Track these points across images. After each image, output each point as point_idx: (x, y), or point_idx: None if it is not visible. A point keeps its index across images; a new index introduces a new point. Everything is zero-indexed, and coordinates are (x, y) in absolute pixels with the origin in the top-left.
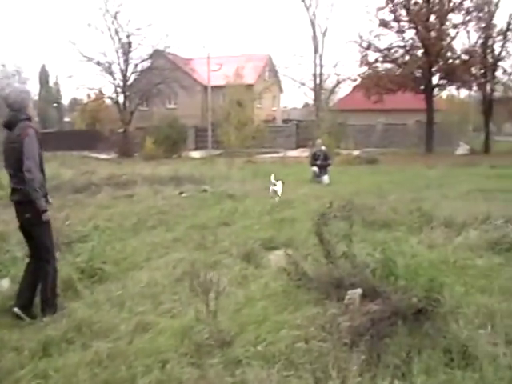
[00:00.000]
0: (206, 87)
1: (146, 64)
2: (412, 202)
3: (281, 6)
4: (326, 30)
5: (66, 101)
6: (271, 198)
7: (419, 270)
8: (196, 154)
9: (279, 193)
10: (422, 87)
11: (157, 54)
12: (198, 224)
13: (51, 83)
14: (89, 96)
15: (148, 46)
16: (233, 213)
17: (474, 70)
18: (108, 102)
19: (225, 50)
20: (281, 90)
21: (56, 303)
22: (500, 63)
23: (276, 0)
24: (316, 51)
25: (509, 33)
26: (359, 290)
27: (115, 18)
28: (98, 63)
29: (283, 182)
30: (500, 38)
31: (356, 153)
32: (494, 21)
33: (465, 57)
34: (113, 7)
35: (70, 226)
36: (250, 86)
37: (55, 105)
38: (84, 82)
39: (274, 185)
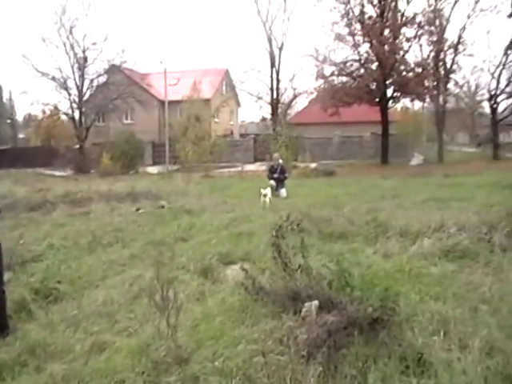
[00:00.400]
0: (163, 102)
1: (102, 79)
2: (368, 212)
3: (238, 21)
4: (282, 44)
5: (20, 117)
6: (263, 209)
7: (375, 280)
8: (153, 170)
9: (268, 198)
10: (377, 99)
11: (113, 69)
12: (155, 240)
13: (4, 99)
14: (44, 112)
15: (104, 60)
16: (190, 228)
17: (426, 83)
18: (63, 117)
19: (182, 64)
20: (238, 105)
21: (8, 325)
22: (452, 75)
23: (233, 15)
24: (273, 65)
25: (459, 46)
26: (316, 302)
27: (70, 32)
28: (53, 78)
29: (271, 187)
30: (451, 51)
31: (313, 165)
32: (446, 35)
33: (418, 69)
34: (68, 22)
35: (24, 245)
36: (207, 101)
37: (9, 121)
38: (39, 97)
39: (264, 195)
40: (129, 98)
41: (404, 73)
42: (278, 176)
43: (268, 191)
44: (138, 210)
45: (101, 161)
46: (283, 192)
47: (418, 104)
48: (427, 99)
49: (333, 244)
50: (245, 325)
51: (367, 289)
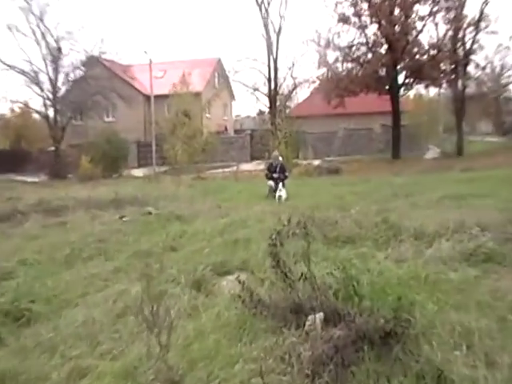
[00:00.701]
0: (148, 97)
1: (79, 72)
2: (378, 213)
3: (230, 5)
4: (280, 28)
5: None
6: (278, 205)
7: (386, 288)
8: (139, 172)
9: (283, 193)
10: (387, 87)
11: (91, 61)
12: (141, 251)
13: None
14: (12, 110)
15: (81, 51)
16: (180, 236)
17: (443, 66)
18: (36, 116)
19: (169, 54)
20: (232, 98)
21: None
22: (472, 57)
23: None
24: (270, 53)
25: (481, 23)
26: (320, 315)
27: (41, 19)
28: (23, 72)
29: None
30: (471, 29)
31: (316, 163)
32: (465, 11)
33: (433, 52)
34: (38, 7)
35: None
36: (197, 94)
37: None
38: (6, 94)
39: (280, 190)
40: (110, 92)
41: (417, 56)
42: (278, 176)
43: (281, 186)
44: (122, 217)
45: (79, 164)
46: (283, 193)
47: (433, 90)
48: (444, 85)
49: (339, 249)
50: (242, 342)
51: (378, 298)
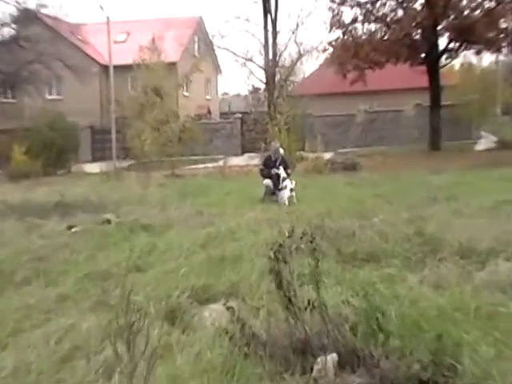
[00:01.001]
0: (105, 68)
1: (9, 32)
2: (410, 222)
3: None
4: None
5: None
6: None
7: (422, 323)
8: (94, 168)
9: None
10: (423, 55)
11: (27, 17)
12: (96, 272)
13: None
14: None
15: (11, 2)
16: (149, 252)
17: (503, 24)
18: None
19: (134, 12)
20: (218, 71)
21: None
22: None
23: None
24: (267, 11)
25: None
26: (333, 356)
27: None
28: None
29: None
30: None
31: (327, 156)
32: None
33: (489, 4)
34: None
35: None
36: (172, 66)
37: None
38: None
39: (291, 190)
40: (53, 60)
41: (466, 11)
42: (278, 173)
43: (290, 183)
44: (70, 228)
45: (10, 156)
46: (284, 196)
47: (488, 58)
48: (504, 49)
49: (358, 270)
50: None
51: (411, 336)
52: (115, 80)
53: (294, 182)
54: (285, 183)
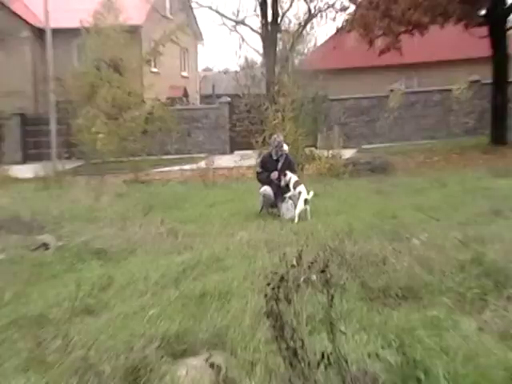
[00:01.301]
0: (41, 32)
1: None
2: (464, 246)
3: None
4: None
5: None
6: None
7: None
8: (25, 172)
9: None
10: (484, 13)
11: None
12: (27, 317)
13: None
14: None
15: None
16: (104, 287)
17: None
18: None
19: None
20: (198, 38)
21: None
22: None
23: None
24: None
25: None
26: None
27: None
28: None
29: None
30: None
31: (348, 154)
32: None
33: None
34: None
35: None
36: (135, 30)
37: None
38: None
39: (305, 201)
40: None
41: None
42: (285, 180)
43: (305, 192)
44: None
45: None
46: (290, 209)
47: None
48: None
49: (390, 311)
50: None
51: None
52: (55, 49)
53: (311, 193)
54: (298, 190)
